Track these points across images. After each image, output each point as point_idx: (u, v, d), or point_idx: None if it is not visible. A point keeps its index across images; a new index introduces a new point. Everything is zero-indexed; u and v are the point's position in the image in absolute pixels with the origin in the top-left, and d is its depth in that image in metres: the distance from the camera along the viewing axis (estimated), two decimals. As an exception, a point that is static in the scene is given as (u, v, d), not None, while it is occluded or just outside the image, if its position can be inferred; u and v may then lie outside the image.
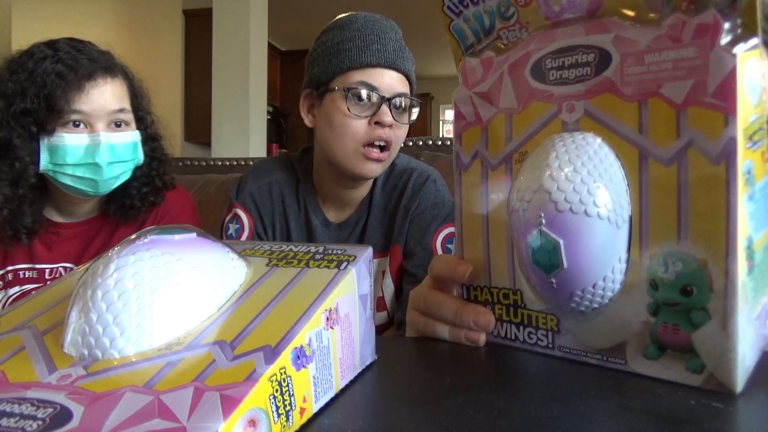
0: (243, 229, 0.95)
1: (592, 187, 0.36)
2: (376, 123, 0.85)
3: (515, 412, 0.34)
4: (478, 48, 0.44)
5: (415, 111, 0.92)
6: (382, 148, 0.87)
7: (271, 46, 4.17)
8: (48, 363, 0.32)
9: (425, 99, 8.41)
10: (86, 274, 0.36)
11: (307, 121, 0.95)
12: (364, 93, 0.85)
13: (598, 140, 0.38)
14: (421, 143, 1.53)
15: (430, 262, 0.89)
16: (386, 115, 0.85)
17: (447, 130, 8.77)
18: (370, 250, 0.43)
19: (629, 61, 0.36)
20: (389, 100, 0.85)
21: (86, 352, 0.32)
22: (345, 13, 0.96)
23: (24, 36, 1.32)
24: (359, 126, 0.86)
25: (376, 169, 0.88)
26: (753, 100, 0.35)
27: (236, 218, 0.96)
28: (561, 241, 0.36)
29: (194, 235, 0.38)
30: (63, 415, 0.27)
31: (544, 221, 0.37)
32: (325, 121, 0.89)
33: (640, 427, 0.31)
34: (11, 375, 0.32)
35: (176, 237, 0.38)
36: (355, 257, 0.42)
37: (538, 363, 0.44)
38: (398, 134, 0.88)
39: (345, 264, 0.41)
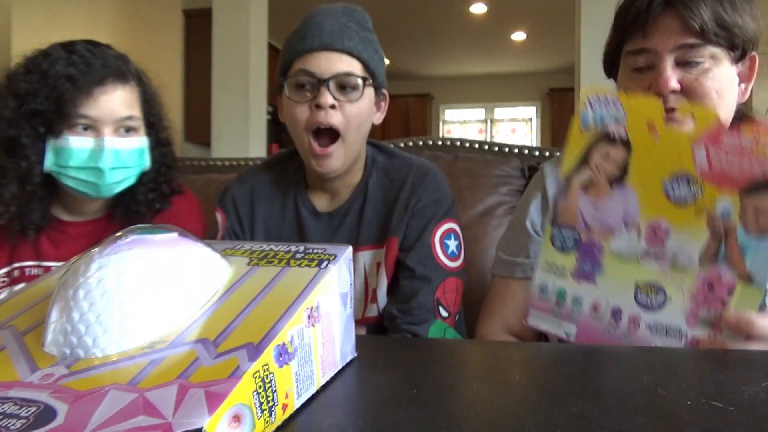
0: (219, 230, 0.97)
1: None
2: (317, 106, 0.85)
3: (506, 406, 0.35)
4: None
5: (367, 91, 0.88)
6: (331, 139, 0.86)
7: (271, 46, 4.17)
8: (29, 362, 0.33)
9: (425, 99, 8.36)
10: (67, 273, 0.36)
11: (281, 118, 0.97)
12: (302, 79, 0.86)
13: None
14: (421, 143, 1.52)
15: (428, 256, 0.89)
16: (323, 96, 0.84)
17: (447, 131, 8.68)
18: (349, 249, 0.43)
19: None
20: (327, 81, 0.85)
21: (68, 351, 0.33)
22: None
23: (24, 36, 1.32)
24: (302, 111, 0.87)
25: (329, 164, 0.87)
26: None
27: (216, 222, 0.98)
28: None
29: (176, 234, 0.39)
30: (47, 413, 0.27)
31: None
32: (283, 115, 0.91)
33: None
34: (-7, 375, 0.32)
35: (158, 237, 0.38)
36: (336, 256, 0.42)
37: (517, 355, 0.44)
38: (348, 114, 0.86)
39: (326, 263, 0.41)
